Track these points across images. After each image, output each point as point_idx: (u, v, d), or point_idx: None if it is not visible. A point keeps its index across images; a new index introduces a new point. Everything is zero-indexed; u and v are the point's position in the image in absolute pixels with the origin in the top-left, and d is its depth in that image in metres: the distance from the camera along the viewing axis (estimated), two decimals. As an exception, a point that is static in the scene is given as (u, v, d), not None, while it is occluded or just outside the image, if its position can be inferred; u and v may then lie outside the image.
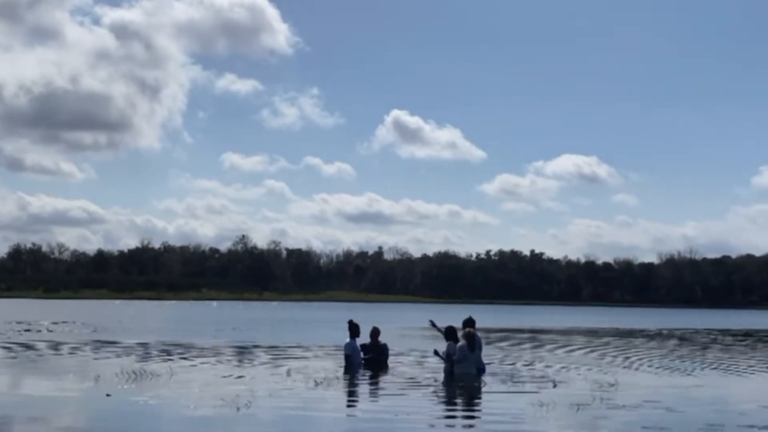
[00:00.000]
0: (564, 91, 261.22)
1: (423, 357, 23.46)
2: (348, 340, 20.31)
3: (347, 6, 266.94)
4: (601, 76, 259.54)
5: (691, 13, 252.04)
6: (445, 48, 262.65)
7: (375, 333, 20.93)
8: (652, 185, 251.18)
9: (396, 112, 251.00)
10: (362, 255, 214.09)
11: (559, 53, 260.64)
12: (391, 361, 21.15)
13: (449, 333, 19.49)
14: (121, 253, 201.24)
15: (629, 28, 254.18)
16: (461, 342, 18.73)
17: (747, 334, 47.62)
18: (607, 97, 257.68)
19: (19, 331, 36.30)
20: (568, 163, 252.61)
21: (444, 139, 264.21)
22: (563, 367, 21.73)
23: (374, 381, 18.10)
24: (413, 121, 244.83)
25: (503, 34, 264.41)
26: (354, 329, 20.35)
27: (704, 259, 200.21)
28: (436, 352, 19.88)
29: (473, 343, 18.80)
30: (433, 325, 21.31)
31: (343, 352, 20.55)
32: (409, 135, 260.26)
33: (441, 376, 18.59)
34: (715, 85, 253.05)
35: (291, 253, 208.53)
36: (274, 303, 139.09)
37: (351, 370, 19.58)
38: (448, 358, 19.02)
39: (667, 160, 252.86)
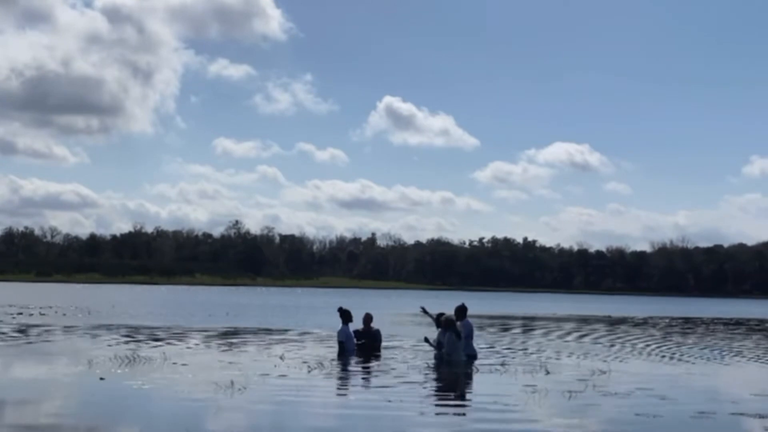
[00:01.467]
0: (556, 79, 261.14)
1: (415, 344, 23.49)
2: (342, 326, 20.32)
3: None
4: (593, 65, 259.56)
5: (684, 5, 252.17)
6: (437, 35, 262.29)
7: (368, 319, 20.95)
8: (643, 174, 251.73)
9: (388, 99, 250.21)
10: (355, 241, 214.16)
11: (551, 41, 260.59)
12: (383, 347, 21.18)
13: (440, 320, 19.51)
14: (114, 237, 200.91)
15: (622, 17, 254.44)
16: (448, 332, 18.78)
17: (738, 322, 47.83)
18: (599, 85, 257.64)
19: (11, 314, 36.21)
20: (560, 151, 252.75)
21: (437, 127, 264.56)
22: (556, 354, 21.80)
23: (367, 367, 18.11)
24: (406, 107, 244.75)
25: (496, 21, 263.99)
26: (345, 315, 20.32)
27: (696, 248, 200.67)
28: (426, 340, 19.93)
29: (457, 329, 18.85)
30: (425, 311, 21.35)
31: (336, 338, 20.59)
32: (401, 122, 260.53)
33: (432, 363, 18.63)
34: (707, 75, 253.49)
35: (284, 238, 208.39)
36: (267, 288, 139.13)
37: (344, 356, 19.61)
38: (438, 345, 19.08)
39: (658, 149, 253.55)
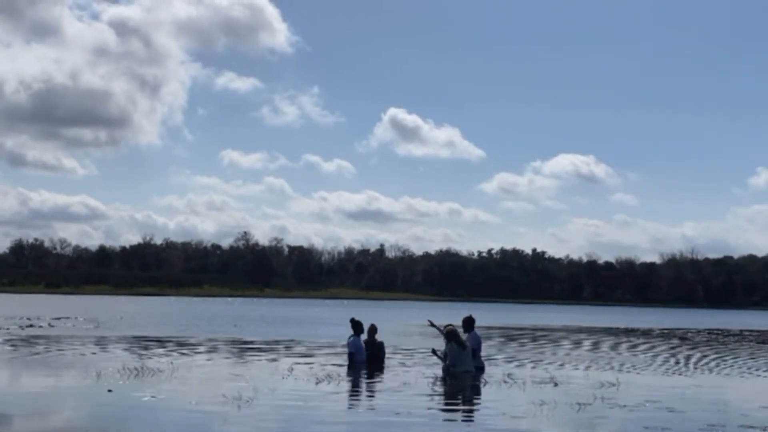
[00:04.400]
0: (561, 91, 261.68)
1: (423, 356, 23.46)
2: (352, 337, 20.30)
3: (347, 5, 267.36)
4: (598, 77, 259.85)
5: (689, 16, 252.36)
6: (442, 48, 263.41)
7: (372, 330, 20.94)
8: (649, 185, 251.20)
9: (393, 111, 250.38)
10: (364, 252, 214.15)
11: (556, 53, 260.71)
12: (391, 359, 21.13)
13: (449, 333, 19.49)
14: (123, 248, 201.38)
15: (627, 29, 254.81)
16: (450, 343, 18.78)
17: (748, 334, 47.59)
18: (603, 97, 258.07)
19: (20, 326, 36.32)
20: (565, 162, 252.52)
21: (442, 138, 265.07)
22: (564, 366, 21.74)
23: (375, 380, 18.10)
24: (411, 119, 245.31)
25: (501, 34, 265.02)
26: (357, 327, 20.32)
27: (706, 259, 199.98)
28: (434, 352, 19.89)
29: (460, 340, 18.83)
30: (432, 324, 21.32)
31: (346, 350, 20.57)
32: (407, 133, 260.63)
33: (440, 376, 18.59)
34: (713, 86, 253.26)
35: (293, 249, 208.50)
36: (276, 299, 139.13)
37: (353, 368, 19.58)
38: (445, 357, 19.05)
39: (664, 160, 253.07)
